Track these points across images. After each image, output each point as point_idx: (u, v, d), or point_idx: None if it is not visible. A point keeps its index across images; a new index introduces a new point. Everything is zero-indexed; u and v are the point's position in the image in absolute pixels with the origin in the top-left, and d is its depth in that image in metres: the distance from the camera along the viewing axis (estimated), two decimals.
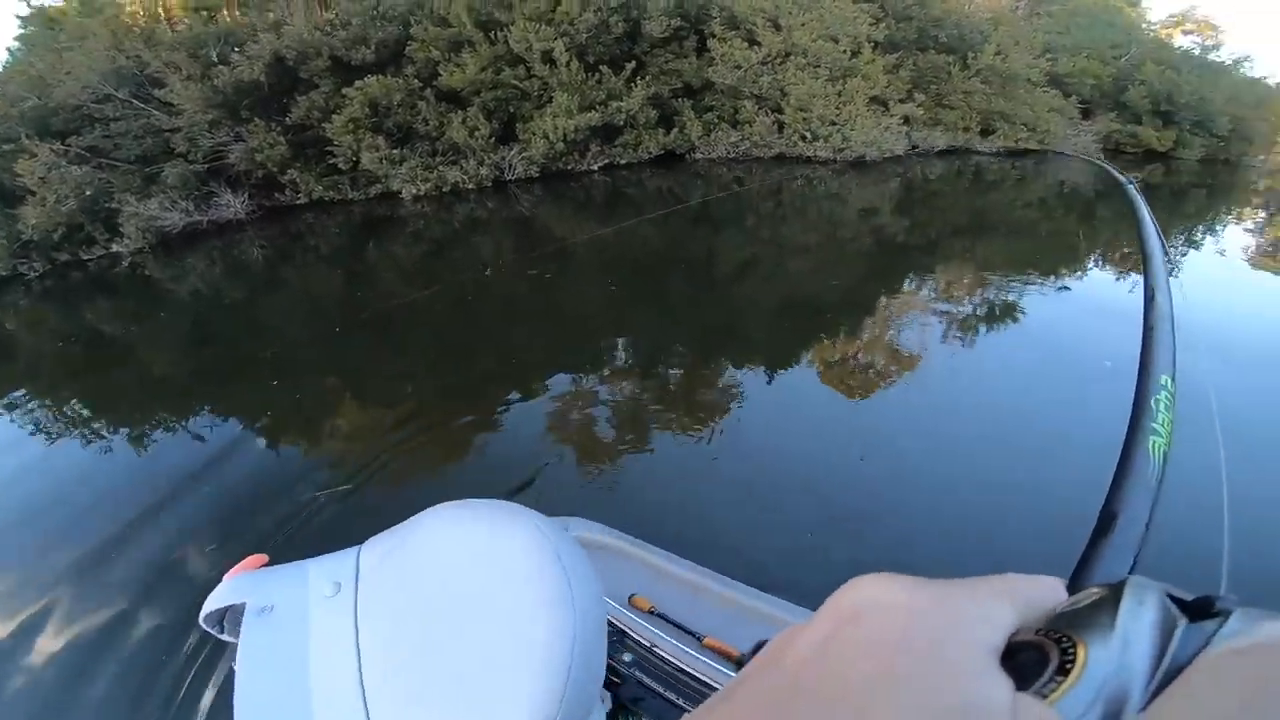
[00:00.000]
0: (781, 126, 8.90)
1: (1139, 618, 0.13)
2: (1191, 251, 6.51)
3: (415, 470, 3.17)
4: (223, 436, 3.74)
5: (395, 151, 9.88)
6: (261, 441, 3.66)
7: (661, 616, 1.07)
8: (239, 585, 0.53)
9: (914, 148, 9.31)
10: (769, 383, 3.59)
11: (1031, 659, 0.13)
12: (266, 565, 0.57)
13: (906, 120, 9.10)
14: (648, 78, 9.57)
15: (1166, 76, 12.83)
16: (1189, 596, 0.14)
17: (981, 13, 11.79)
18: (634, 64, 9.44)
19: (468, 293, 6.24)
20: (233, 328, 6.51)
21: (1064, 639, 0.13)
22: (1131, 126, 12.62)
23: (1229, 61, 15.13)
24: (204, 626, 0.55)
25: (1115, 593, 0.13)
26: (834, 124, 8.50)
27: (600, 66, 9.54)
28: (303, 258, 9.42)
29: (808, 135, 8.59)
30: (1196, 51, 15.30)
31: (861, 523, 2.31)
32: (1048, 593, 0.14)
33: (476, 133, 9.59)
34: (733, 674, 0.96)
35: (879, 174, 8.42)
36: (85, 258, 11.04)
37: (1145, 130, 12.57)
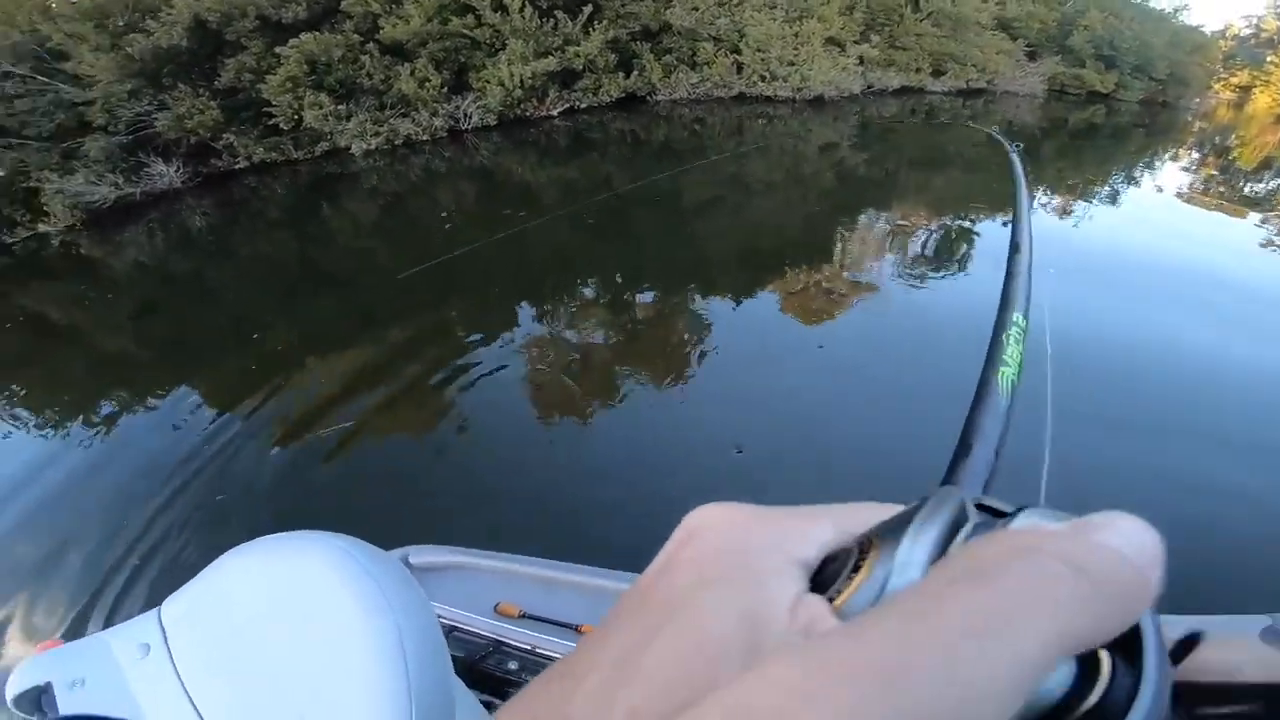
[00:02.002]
0: (740, 67, 9.04)
1: (931, 519, 0.14)
2: (1132, 188, 6.97)
3: (396, 421, 3.26)
4: (187, 410, 3.68)
5: (341, 107, 9.58)
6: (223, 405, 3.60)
7: (533, 618, 1.08)
8: (37, 665, 0.51)
9: (869, 87, 9.60)
10: (733, 312, 3.74)
11: (840, 566, 0.14)
12: (58, 646, 0.55)
13: (861, 60, 9.36)
14: (605, 22, 9.50)
15: (1109, 23, 13.49)
16: (996, 504, 0.15)
17: None
18: (590, 7, 9.36)
19: (440, 245, 6.22)
20: (184, 300, 6.28)
21: (866, 544, 0.14)
22: (1075, 69, 13.25)
23: (1169, 9, 16.01)
24: (16, 712, 0.52)
25: (922, 502, 0.14)
26: (792, 64, 8.68)
27: (555, 11, 9.41)
28: (250, 223, 9.12)
29: (767, 75, 8.76)
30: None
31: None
32: (871, 513, 0.15)
33: (427, 84, 9.37)
34: None
35: (836, 111, 8.68)
36: (9, 241, 10.41)
37: (1089, 73, 13.23)
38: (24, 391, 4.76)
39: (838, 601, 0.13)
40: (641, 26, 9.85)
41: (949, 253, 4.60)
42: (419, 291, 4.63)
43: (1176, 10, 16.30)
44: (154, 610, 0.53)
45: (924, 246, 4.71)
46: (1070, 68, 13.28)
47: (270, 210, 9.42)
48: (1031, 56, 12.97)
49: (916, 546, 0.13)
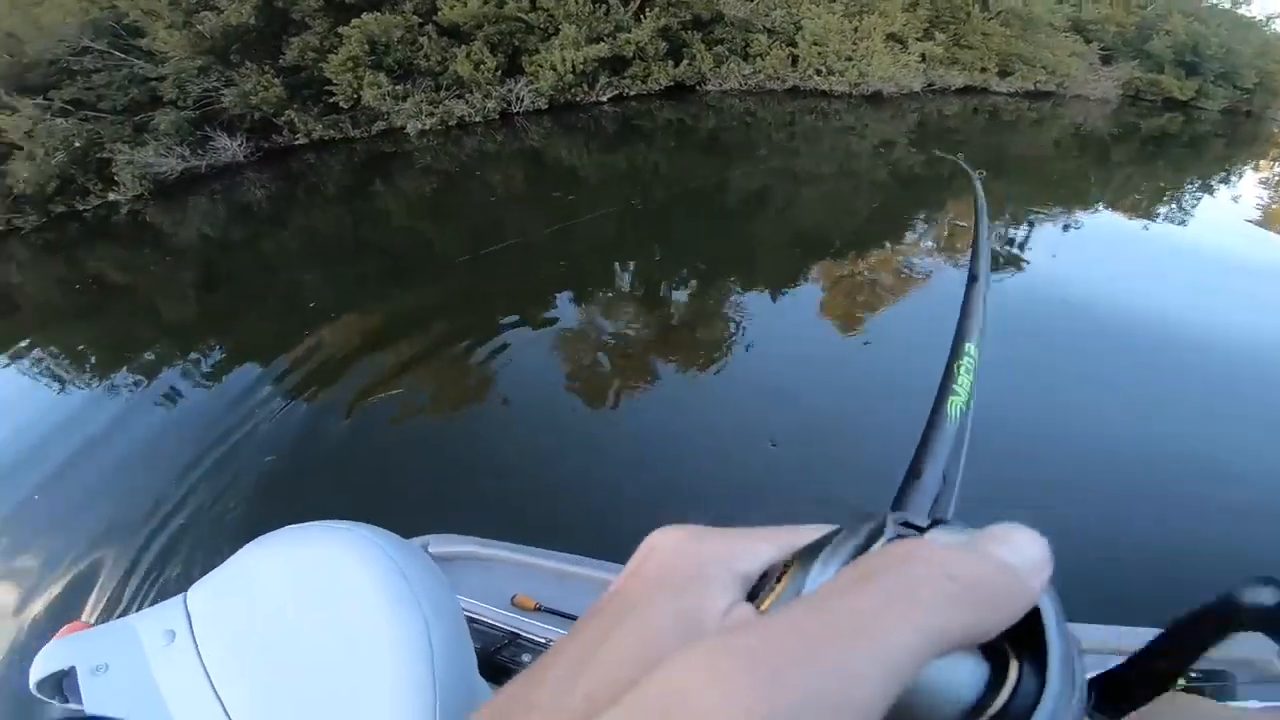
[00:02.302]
0: (795, 60, 8.88)
1: (849, 536, 0.15)
2: (1205, 197, 6.56)
3: (446, 378, 3.31)
4: (235, 372, 3.86)
5: (398, 87, 9.83)
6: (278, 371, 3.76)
7: (549, 611, 1.09)
8: (62, 649, 0.51)
9: (931, 85, 9.29)
10: (771, 304, 3.70)
11: (770, 580, 0.16)
12: (85, 629, 0.55)
13: (924, 58, 9.07)
14: (656, 9, 9.47)
15: (1193, 28, 12.69)
16: (918, 522, 0.16)
17: None
18: None
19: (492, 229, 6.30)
20: (240, 267, 6.62)
21: (791, 560, 0.16)
22: (1153, 75, 12.52)
23: (1260, 17, 14.99)
24: (40, 696, 0.53)
25: (854, 522, 0.16)
26: (849, 59, 8.48)
27: None
28: (308, 198, 9.46)
29: (823, 69, 8.58)
30: (1226, 5, 15.10)
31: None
32: (814, 534, 0.17)
33: (482, 66, 9.53)
34: None
35: (894, 109, 8.44)
36: (81, 208, 11.04)
37: (1167, 79, 12.48)
38: (82, 347, 5.12)
39: (762, 607, 0.15)
40: (693, 16, 9.78)
41: (1002, 252, 4.45)
42: (466, 271, 4.73)
43: (1270, 19, 15.26)
44: (180, 595, 0.53)
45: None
46: (1148, 73, 12.56)
47: (326, 185, 9.76)
48: (1106, 60, 12.32)
49: (832, 560, 0.15)
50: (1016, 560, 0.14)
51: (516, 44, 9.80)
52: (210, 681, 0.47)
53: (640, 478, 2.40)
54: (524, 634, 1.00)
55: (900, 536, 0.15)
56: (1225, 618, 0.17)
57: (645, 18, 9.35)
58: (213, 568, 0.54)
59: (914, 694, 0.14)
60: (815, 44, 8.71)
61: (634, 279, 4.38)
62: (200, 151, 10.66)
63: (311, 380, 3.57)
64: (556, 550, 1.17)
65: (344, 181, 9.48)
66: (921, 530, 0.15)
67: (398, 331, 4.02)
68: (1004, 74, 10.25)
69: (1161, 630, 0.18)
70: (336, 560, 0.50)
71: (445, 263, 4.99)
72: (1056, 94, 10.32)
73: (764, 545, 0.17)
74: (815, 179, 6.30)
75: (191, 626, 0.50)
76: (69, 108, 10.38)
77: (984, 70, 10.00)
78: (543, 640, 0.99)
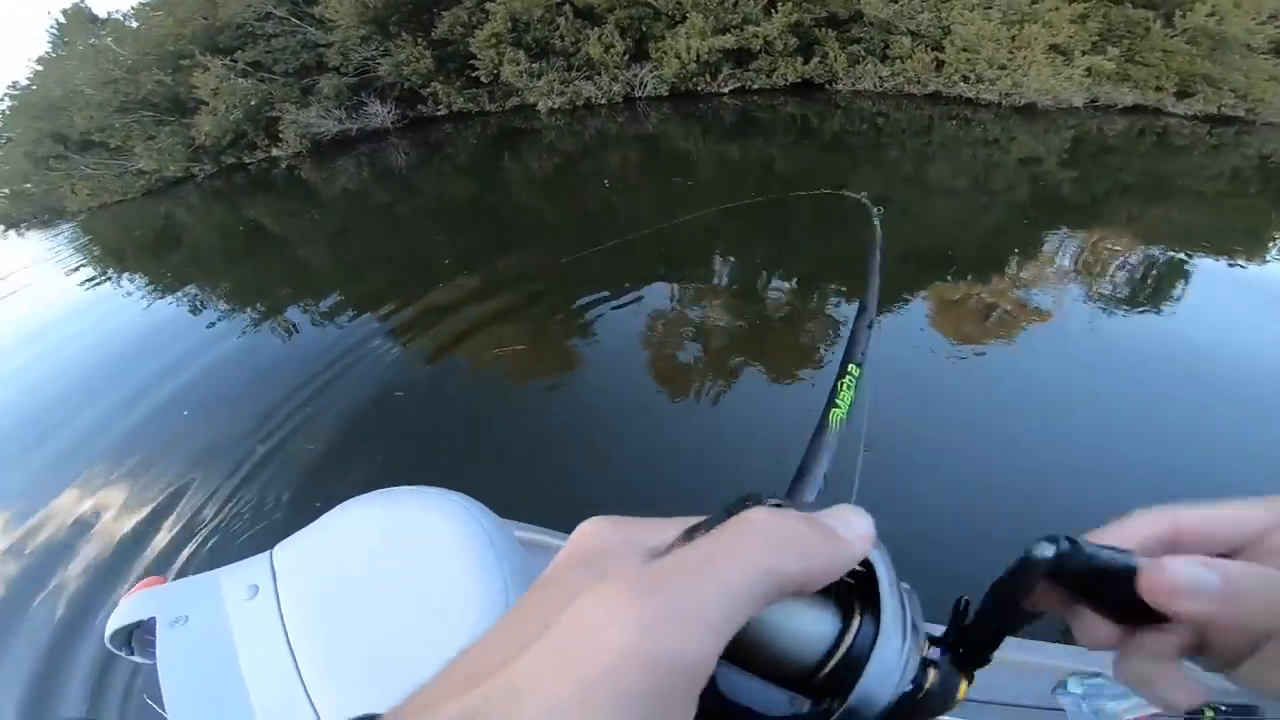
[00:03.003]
0: (940, 65, 8.44)
1: (725, 514, 0.19)
2: None
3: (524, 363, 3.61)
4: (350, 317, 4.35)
5: (534, 65, 10.35)
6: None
7: None
8: (144, 601, 0.52)
9: (1094, 101, 8.50)
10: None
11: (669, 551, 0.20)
12: (169, 583, 0.57)
13: (1090, 72, 8.31)
14: (789, 4, 9.33)
15: None
16: (780, 501, 0.20)
17: None
18: None
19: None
20: (375, 224, 7.26)
21: (689, 534, 0.20)
22: None
23: None
24: (110, 647, 0.53)
25: (732, 505, 0.20)
26: (1003, 68, 7.94)
27: None
28: (441, 165, 10.22)
29: (971, 76, 8.09)
30: None
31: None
32: (705, 518, 0.21)
33: (611, 50, 9.85)
34: None
35: (1048, 123, 7.81)
36: (247, 161, 12.56)
37: None
38: (230, 285, 5.90)
39: None
40: (829, 13, 9.53)
41: (1141, 286, 4.10)
42: (572, 251, 4.92)
43: None
44: (266, 553, 0.54)
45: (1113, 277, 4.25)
46: None
47: (460, 155, 10.49)
48: None
49: (705, 526, 0.19)
50: (839, 526, 0.19)
51: (645, 29, 10.03)
52: (286, 636, 0.48)
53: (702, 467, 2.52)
54: None
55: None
56: (1024, 572, 0.21)
57: (776, 12, 9.25)
58: (303, 517, 0.58)
59: (782, 636, 0.19)
60: (965, 50, 8.23)
61: (731, 274, 4.46)
62: (354, 116, 11.81)
63: (411, 330, 4.04)
64: None
65: (477, 152, 10.17)
66: (774, 506, 0.19)
67: (502, 299, 4.38)
68: (1183, 95, 9.14)
69: (986, 591, 0.22)
70: (428, 521, 0.51)
71: (555, 243, 5.26)
72: (1244, 120, 9.08)
73: (669, 529, 0.21)
74: (946, 192, 6.02)
75: (276, 582, 0.51)
76: (249, 69, 11.75)
77: (1159, 89, 8.97)
78: None
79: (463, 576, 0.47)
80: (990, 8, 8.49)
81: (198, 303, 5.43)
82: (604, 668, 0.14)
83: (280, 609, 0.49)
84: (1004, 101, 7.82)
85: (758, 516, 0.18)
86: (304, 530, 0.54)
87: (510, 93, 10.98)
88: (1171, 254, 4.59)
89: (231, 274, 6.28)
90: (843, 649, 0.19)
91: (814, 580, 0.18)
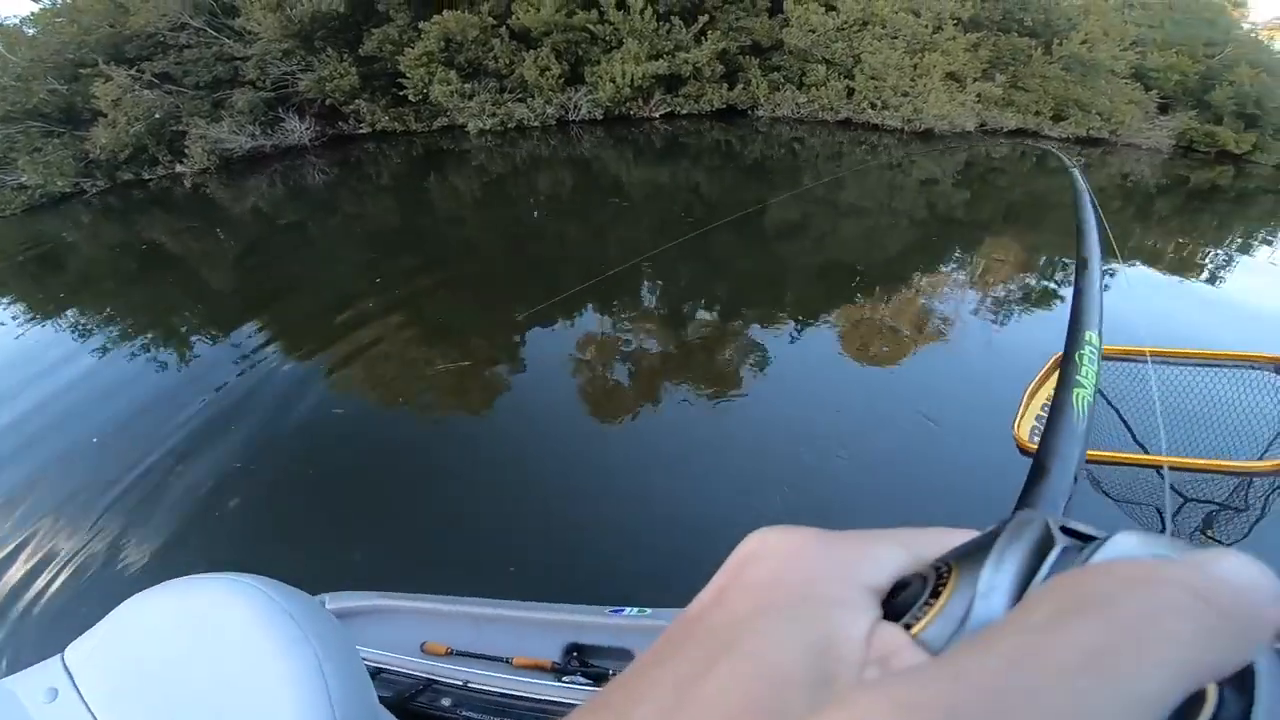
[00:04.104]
0: (851, 92, 9.22)
1: (1015, 541, 0.13)
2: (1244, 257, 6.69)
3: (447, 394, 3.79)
4: (254, 345, 4.20)
5: (466, 86, 10.41)
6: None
7: (462, 654, 1.08)
8: None
9: (982, 125, 9.55)
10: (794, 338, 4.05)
11: (915, 592, 0.13)
12: None
13: (979, 98, 9.33)
14: (717, 33, 9.91)
15: (1260, 80, 12.62)
16: (1082, 527, 0.14)
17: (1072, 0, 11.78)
18: (706, 18, 9.79)
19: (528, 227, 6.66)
20: (286, 248, 7.12)
21: (944, 568, 0.14)
22: (1210, 126, 12.50)
23: None
24: None
25: (1003, 525, 0.14)
26: (905, 95, 8.79)
27: (671, 17, 9.91)
28: (360, 185, 10.07)
29: (878, 103, 8.90)
30: None
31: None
32: (944, 537, 0.15)
33: (547, 73, 10.08)
34: (553, 683, 0.98)
35: (944, 147, 8.72)
36: (147, 177, 11.87)
37: (1224, 131, 12.44)
38: (113, 310, 5.56)
39: (915, 629, 0.13)
40: (753, 42, 10.19)
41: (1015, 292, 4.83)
42: (504, 279, 5.12)
43: None
44: (55, 656, 0.52)
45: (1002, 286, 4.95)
46: (1204, 124, 12.55)
47: (382, 175, 10.38)
48: (1164, 109, 12.36)
49: (1001, 571, 0.13)
50: (1251, 586, 0.11)
51: (580, 54, 10.33)
52: None
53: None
54: (440, 678, 0.96)
55: (1075, 547, 0.13)
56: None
57: (706, 40, 9.80)
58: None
59: None
60: (873, 78, 9.04)
61: (657, 292, 4.81)
62: (269, 132, 11.40)
63: (323, 357, 3.94)
64: (460, 595, 1.17)
65: (400, 172, 10.10)
66: (1099, 540, 0.13)
67: (427, 320, 4.50)
68: (1058, 118, 10.43)
69: None
70: (222, 608, 0.50)
71: (485, 261, 5.42)
72: (1108, 141, 10.47)
73: (893, 549, 0.15)
74: (856, 212, 6.66)
75: (75, 683, 0.49)
76: (155, 80, 11.12)
77: (1038, 114, 10.20)
78: (459, 682, 0.95)
79: (264, 652, 0.47)
80: (896, 37, 9.38)
81: (78, 329, 5.10)
82: None
83: (87, 705, 0.48)
84: (906, 127, 8.67)
85: (1172, 574, 0.11)
86: (93, 629, 0.53)
87: (438, 113, 10.97)
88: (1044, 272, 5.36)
89: (122, 301, 5.87)
90: None
91: (1223, 675, 0.11)
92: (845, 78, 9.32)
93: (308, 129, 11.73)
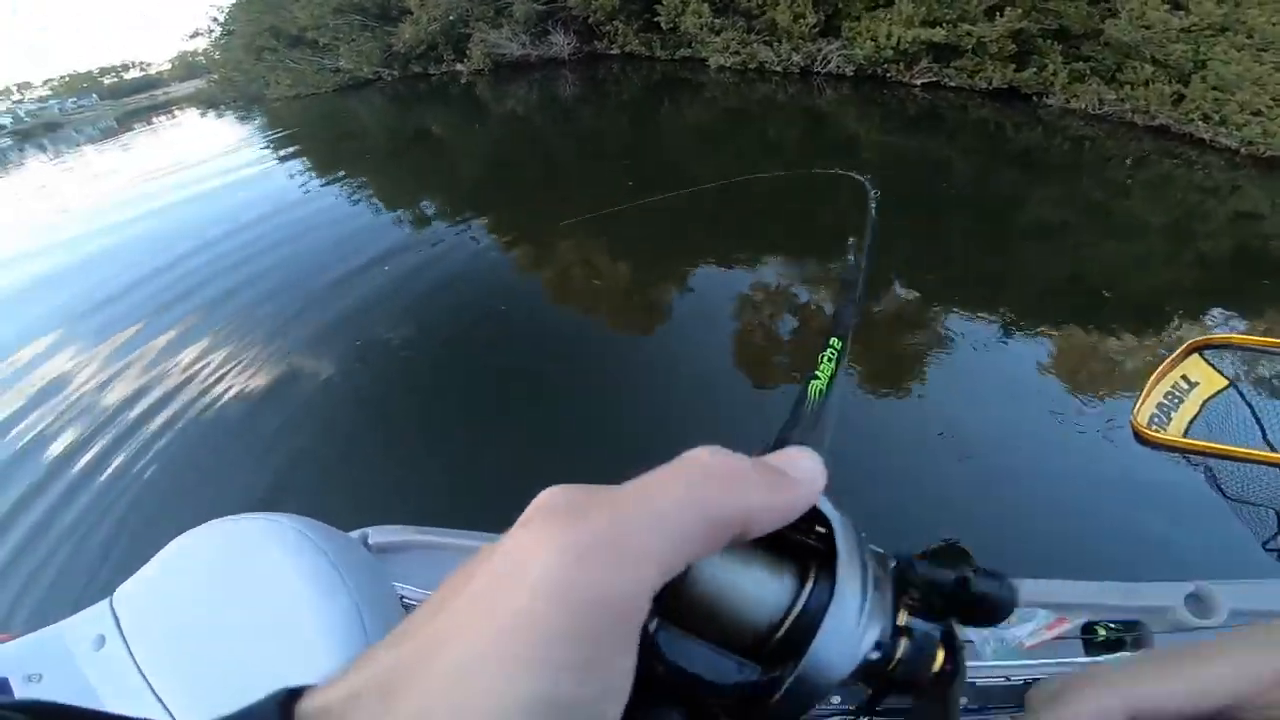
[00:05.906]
0: (1180, 99, 7.55)
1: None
2: None
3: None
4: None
5: (716, 20, 10.58)
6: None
7: None
8: None
9: None
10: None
11: None
12: (11, 639, 0.57)
13: None
14: (1019, 11, 8.72)
15: None
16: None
17: None
18: None
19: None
20: (527, 153, 7.96)
21: None
22: None
23: None
24: None
25: None
26: (1257, 114, 6.94)
27: None
28: (601, 101, 10.80)
29: (1214, 116, 7.16)
30: None
31: None
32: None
33: (801, 19, 9.82)
34: None
35: None
36: (431, 72, 13.99)
37: None
38: (381, 181, 7.05)
39: None
40: (1060, 26, 8.79)
41: None
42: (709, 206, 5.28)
43: None
44: (104, 600, 0.54)
45: None
46: None
47: (622, 93, 11.03)
48: None
49: None
50: (785, 467, 0.18)
51: (840, 5, 9.85)
52: (146, 679, 0.48)
53: None
54: None
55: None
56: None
57: (1002, 15, 8.71)
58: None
59: (733, 597, 0.18)
60: (1215, 89, 7.28)
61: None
62: (537, 43, 12.74)
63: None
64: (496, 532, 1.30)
65: (638, 96, 10.66)
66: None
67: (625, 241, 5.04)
68: None
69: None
70: (263, 552, 0.51)
71: (694, 198, 5.49)
72: None
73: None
74: (1133, 230, 5.50)
75: (121, 629, 0.51)
76: None
77: None
78: None
79: (301, 597, 0.49)
80: (1265, 50, 7.40)
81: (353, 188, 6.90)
82: (525, 608, 0.13)
83: (132, 654, 0.50)
84: (1244, 149, 6.84)
85: (698, 452, 0.18)
86: (139, 572, 0.55)
87: (682, 43, 11.28)
88: None
89: (390, 172, 7.53)
90: (795, 612, 0.18)
91: (756, 521, 0.17)
92: (1178, 82, 7.62)
93: (568, 43, 12.91)
